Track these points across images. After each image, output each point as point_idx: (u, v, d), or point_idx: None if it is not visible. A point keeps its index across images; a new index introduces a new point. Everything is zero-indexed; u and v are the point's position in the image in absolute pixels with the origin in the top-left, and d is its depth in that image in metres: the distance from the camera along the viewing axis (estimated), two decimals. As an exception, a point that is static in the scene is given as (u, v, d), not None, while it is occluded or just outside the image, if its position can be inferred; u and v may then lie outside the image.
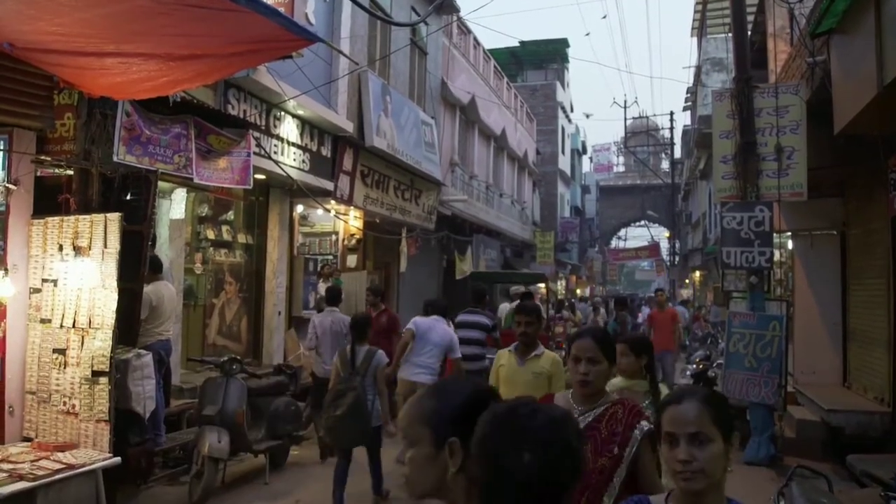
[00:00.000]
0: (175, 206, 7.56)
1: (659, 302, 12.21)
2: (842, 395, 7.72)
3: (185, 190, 7.50)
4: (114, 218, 4.70)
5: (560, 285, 31.96)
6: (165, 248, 7.36)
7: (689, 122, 31.33)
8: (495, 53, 22.70)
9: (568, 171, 33.33)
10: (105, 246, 4.67)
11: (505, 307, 12.44)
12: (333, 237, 11.14)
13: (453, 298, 18.22)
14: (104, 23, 3.51)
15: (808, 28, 6.73)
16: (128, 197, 5.15)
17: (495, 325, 8.18)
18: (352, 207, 10.94)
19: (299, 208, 10.07)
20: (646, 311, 15.25)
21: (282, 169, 8.23)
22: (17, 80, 4.56)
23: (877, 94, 4.82)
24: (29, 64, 4.38)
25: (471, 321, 7.57)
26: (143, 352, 5.26)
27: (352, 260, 11.55)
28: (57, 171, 5.18)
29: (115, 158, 5.18)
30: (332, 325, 7.21)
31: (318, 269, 10.33)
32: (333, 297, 7.67)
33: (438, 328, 6.69)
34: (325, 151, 9.96)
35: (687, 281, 32.15)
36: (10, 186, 4.90)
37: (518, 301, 10.39)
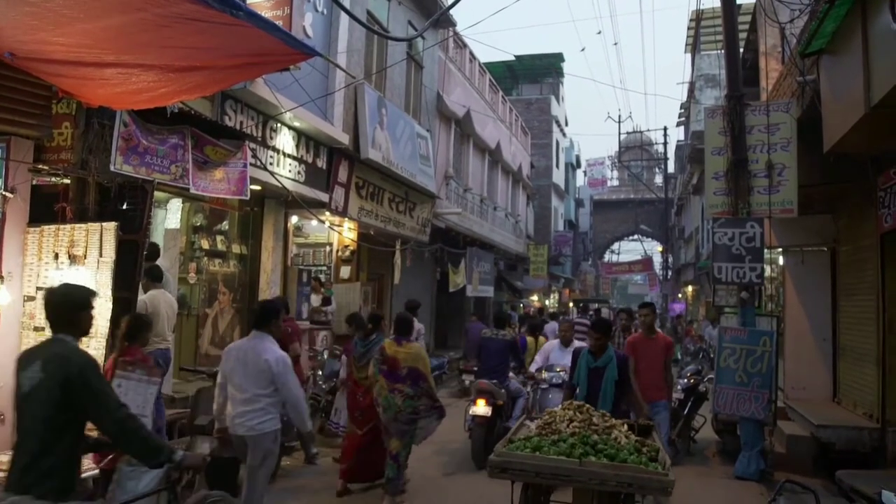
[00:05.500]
0: (170, 216, 7.58)
1: None
2: (831, 410, 7.77)
3: (180, 200, 7.52)
4: (109, 227, 4.73)
5: (553, 298, 32.04)
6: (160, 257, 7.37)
7: (682, 137, 31.61)
8: (491, 67, 22.87)
9: (562, 185, 33.50)
10: (100, 255, 4.70)
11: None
12: (328, 248, 11.18)
13: (446, 310, 18.27)
14: (106, 34, 3.55)
15: (798, 47, 6.84)
16: (124, 206, 5.19)
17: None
18: (346, 219, 10.97)
19: (294, 219, 10.10)
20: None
21: (277, 180, 8.27)
22: (15, 88, 4.59)
23: (864, 114, 4.90)
24: (28, 73, 4.41)
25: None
26: (137, 360, 5.25)
27: (345, 271, 11.58)
28: (54, 179, 5.21)
29: (112, 168, 5.21)
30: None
31: (310, 280, 10.35)
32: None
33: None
34: (321, 163, 10.00)
35: (680, 295, 32.26)
36: (7, 194, 4.93)
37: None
